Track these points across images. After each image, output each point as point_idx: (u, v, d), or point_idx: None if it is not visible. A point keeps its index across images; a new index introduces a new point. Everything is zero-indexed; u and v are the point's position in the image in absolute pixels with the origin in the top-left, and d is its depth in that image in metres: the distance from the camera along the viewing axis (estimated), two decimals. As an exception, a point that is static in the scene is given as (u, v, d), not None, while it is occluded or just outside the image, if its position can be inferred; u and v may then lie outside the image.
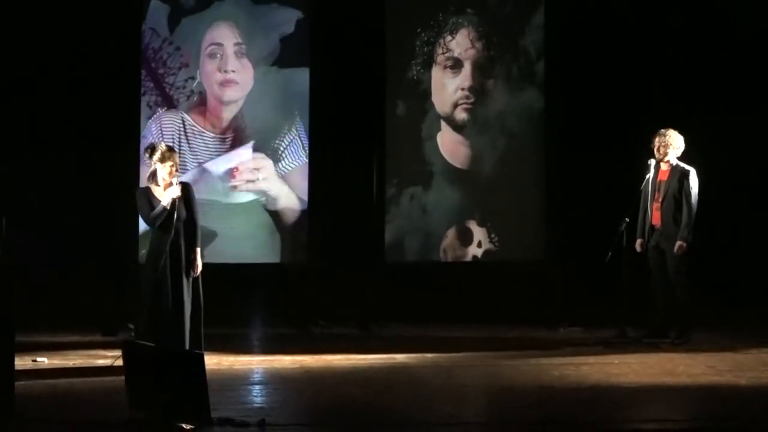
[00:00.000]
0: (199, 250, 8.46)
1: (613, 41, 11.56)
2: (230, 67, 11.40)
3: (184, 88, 11.28)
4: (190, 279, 8.40)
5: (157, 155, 8.33)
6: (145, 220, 8.50)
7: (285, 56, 11.49)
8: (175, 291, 8.30)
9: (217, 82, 11.39)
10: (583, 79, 11.56)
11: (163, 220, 8.27)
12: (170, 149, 8.49)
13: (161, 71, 11.23)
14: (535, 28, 11.88)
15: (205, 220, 11.03)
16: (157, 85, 11.24)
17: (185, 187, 8.47)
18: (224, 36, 11.41)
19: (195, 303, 8.44)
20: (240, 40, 11.42)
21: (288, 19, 11.51)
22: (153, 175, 8.39)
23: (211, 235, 11.08)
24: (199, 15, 11.36)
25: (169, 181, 8.29)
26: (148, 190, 8.40)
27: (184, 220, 8.35)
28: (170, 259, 8.28)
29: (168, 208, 8.25)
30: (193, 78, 11.30)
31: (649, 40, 11.62)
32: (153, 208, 8.30)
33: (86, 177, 10.69)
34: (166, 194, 8.26)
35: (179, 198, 8.28)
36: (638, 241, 9.77)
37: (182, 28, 11.31)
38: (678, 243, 9.56)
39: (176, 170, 8.38)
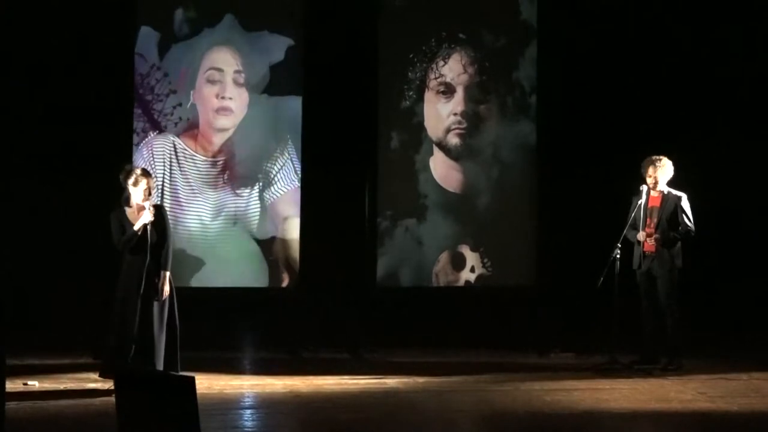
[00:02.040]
0: (167, 273, 8.51)
1: (605, 75, 11.62)
2: (228, 94, 11.39)
3: (172, 114, 11.27)
4: (163, 302, 8.42)
5: (131, 179, 8.42)
6: (116, 244, 8.53)
7: (278, 83, 11.50)
8: (145, 314, 8.33)
9: (213, 107, 11.37)
10: (575, 105, 11.62)
11: (134, 245, 8.33)
12: (144, 173, 8.57)
13: (149, 98, 11.22)
14: (528, 55, 11.92)
15: (194, 245, 11.14)
16: (145, 112, 11.22)
17: (158, 209, 8.55)
18: (225, 61, 11.39)
19: (170, 325, 8.47)
20: (240, 68, 11.42)
21: (280, 47, 11.53)
22: (128, 199, 8.45)
23: (196, 261, 11.11)
24: (190, 42, 11.36)
25: (141, 205, 8.34)
26: (122, 212, 8.46)
27: (155, 244, 8.38)
28: (143, 283, 8.31)
29: (139, 233, 8.30)
30: (181, 105, 11.27)
31: (640, 75, 11.69)
32: (125, 231, 8.35)
33: (77, 200, 10.67)
34: (139, 219, 8.32)
35: (151, 222, 8.33)
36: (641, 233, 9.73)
37: (171, 54, 11.31)
38: (656, 236, 9.55)
39: (149, 194, 8.44)
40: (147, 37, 11.23)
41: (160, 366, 8.34)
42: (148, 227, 8.33)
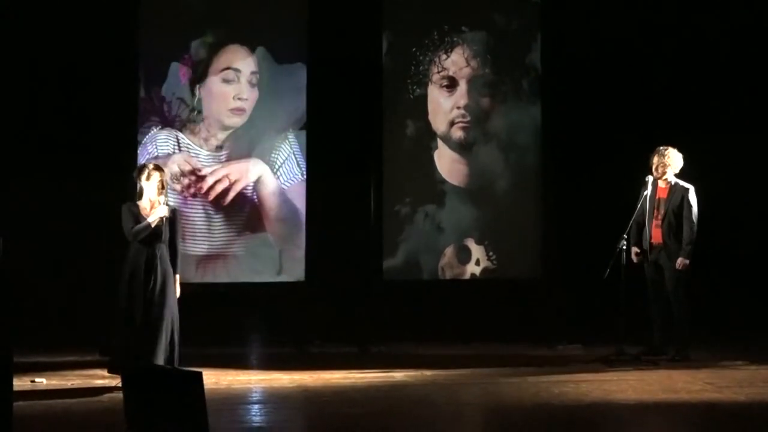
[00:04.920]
0: (178, 276, 8.67)
1: (610, 60, 11.57)
2: (245, 95, 11.39)
3: (177, 108, 11.26)
4: (165, 298, 8.47)
5: (144, 174, 8.53)
6: (127, 234, 8.62)
7: (283, 78, 11.49)
8: (147, 306, 8.40)
9: (228, 107, 11.35)
10: (580, 97, 11.57)
11: (147, 236, 8.42)
12: (157, 168, 8.72)
13: (155, 95, 11.23)
14: (532, 47, 11.90)
15: (198, 240, 11.14)
16: (150, 108, 11.22)
17: (173, 211, 8.66)
18: (243, 62, 11.39)
19: (172, 320, 8.51)
20: (255, 69, 11.41)
21: (285, 41, 11.54)
22: (140, 194, 8.54)
23: (200, 256, 11.13)
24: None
25: (156, 200, 8.46)
26: (135, 206, 8.56)
27: (164, 242, 8.48)
28: (144, 275, 8.39)
29: (153, 225, 8.40)
30: (186, 98, 11.28)
31: (646, 59, 11.63)
32: (138, 222, 8.43)
33: (82, 197, 10.67)
34: (154, 212, 8.48)
35: (166, 218, 8.44)
36: (633, 250, 9.74)
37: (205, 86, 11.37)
38: (680, 260, 9.57)
39: (162, 188, 8.54)
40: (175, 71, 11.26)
41: (160, 362, 8.37)
42: (163, 222, 8.45)
